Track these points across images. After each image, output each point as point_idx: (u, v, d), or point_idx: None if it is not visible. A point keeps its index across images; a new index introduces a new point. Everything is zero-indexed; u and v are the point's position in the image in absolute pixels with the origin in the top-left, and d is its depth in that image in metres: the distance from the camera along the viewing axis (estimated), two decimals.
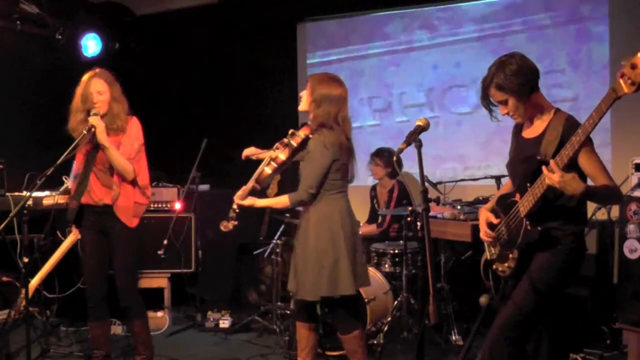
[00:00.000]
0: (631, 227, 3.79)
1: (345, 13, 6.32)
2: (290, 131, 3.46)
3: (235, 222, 3.43)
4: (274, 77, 6.49)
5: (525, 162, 2.66)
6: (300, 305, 3.55)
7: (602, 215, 4.25)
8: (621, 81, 2.18)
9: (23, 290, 4.06)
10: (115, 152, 3.65)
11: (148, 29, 6.73)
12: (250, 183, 3.42)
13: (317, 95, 3.33)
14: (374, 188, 5.55)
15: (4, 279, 4.45)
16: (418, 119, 2.66)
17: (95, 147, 3.71)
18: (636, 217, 3.77)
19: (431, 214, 4.44)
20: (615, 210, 4.07)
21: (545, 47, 5.40)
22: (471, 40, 5.78)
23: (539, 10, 5.48)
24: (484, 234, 2.84)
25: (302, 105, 3.42)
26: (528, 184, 2.57)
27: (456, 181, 4.90)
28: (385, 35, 6.19)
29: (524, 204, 2.59)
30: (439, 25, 5.94)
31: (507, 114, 2.70)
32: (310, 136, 3.37)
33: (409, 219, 4.51)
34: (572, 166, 2.46)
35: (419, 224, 4.51)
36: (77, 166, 3.81)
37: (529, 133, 2.74)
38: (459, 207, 4.49)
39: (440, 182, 5.02)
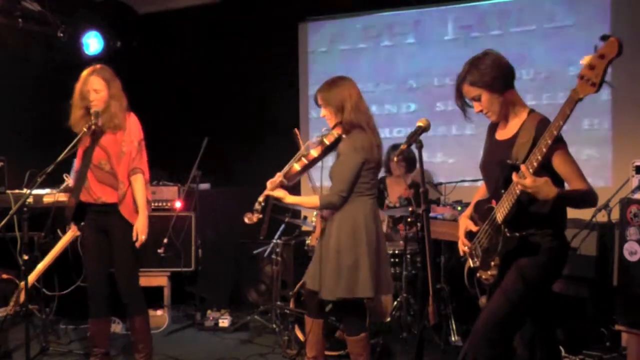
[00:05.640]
0: (631, 230, 3.78)
1: (346, 13, 6.32)
2: (324, 129, 3.43)
3: (260, 215, 3.37)
4: (275, 77, 6.49)
5: (498, 165, 2.60)
6: (311, 302, 3.55)
7: (602, 217, 4.24)
8: (581, 82, 2.15)
9: (21, 284, 4.08)
10: (143, 207, 3.71)
11: (150, 28, 6.74)
12: (278, 177, 3.37)
13: (336, 103, 3.31)
14: (382, 180, 5.25)
15: (4, 276, 4.45)
16: (419, 119, 2.66)
17: (92, 144, 3.72)
18: (636, 220, 3.76)
19: (431, 214, 4.44)
20: (615, 213, 4.07)
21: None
22: (473, 40, 5.77)
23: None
24: (462, 244, 2.80)
25: (331, 121, 3.37)
26: (502, 190, 2.52)
27: (456, 182, 4.89)
28: (386, 35, 6.18)
29: (500, 210, 2.54)
30: (441, 24, 5.93)
31: (481, 111, 2.66)
32: (343, 136, 3.34)
33: (409, 219, 4.52)
34: (546, 169, 2.42)
35: (418, 224, 4.53)
36: (78, 163, 3.82)
37: (502, 135, 2.70)
38: (459, 208, 4.49)
39: (440, 183, 5.02)
